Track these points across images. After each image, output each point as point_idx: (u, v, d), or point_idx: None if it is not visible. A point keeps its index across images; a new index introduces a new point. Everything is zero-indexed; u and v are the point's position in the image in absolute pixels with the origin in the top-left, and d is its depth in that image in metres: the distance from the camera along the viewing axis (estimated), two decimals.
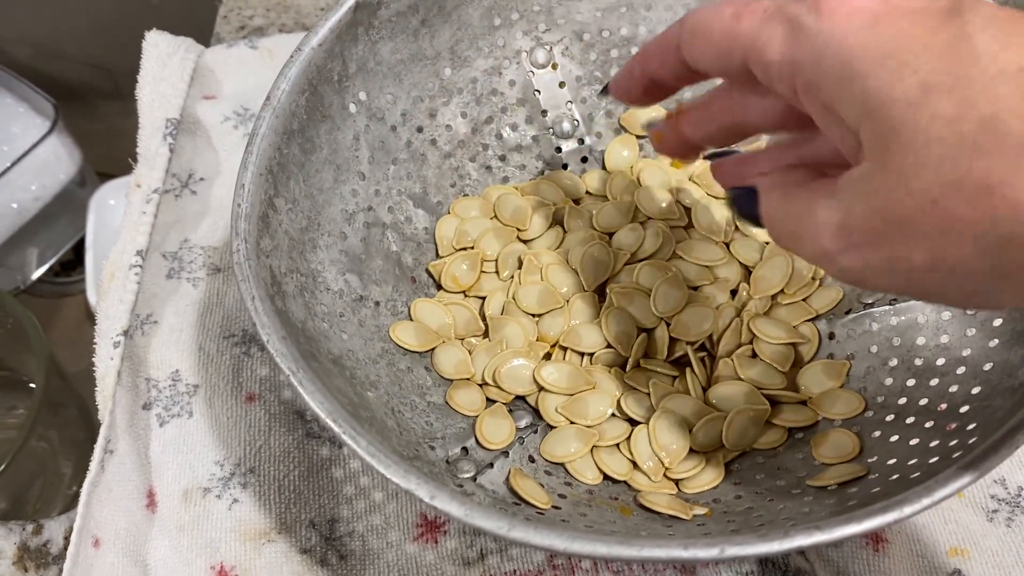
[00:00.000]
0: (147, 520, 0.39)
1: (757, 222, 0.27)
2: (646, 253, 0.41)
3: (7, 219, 0.67)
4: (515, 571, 0.38)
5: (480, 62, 0.42)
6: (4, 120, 0.70)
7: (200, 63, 0.52)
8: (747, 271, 0.41)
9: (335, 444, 0.41)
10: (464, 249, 0.41)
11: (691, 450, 0.36)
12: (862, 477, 0.32)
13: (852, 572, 0.38)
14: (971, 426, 0.31)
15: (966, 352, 0.34)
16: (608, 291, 0.40)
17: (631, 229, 0.41)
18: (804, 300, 0.40)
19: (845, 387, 0.37)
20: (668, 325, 0.39)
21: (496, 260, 0.41)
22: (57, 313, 0.74)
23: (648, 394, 0.37)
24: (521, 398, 0.38)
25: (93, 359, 0.43)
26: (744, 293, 0.40)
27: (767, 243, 0.41)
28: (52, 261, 0.73)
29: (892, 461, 0.32)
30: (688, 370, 0.38)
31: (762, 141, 0.39)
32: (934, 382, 0.35)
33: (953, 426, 0.32)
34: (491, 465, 0.35)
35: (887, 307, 0.37)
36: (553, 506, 0.33)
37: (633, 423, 0.37)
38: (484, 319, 0.40)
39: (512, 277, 0.41)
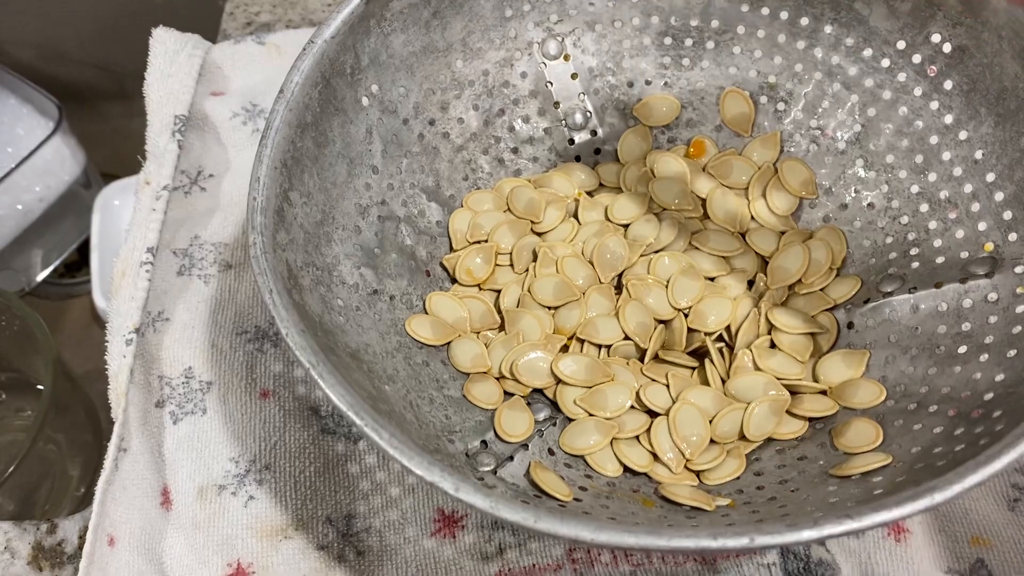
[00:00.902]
0: (162, 518, 0.39)
1: None
2: (662, 244, 0.40)
3: (12, 221, 0.67)
4: (534, 565, 0.37)
5: (492, 54, 0.42)
6: (8, 121, 0.70)
7: (207, 59, 0.51)
8: (764, 261, 0.41)
9: (350, 440, 0.40)
10: (478, 242, 0.41)
11: (711, 441, 0.36)
12: (886, 466, 0.32)
13: (874, 563, 0.37)
14: (997, 413, 0.31)
15: (988, 339, 0.34)
16: (624, 283, 0.39)
17: (646, 220, 0.41)
18: (822, 290, 0.39)
19: (865, 376, 0.37)
20: (686, 316, 0.38)
21: (510, 253, 0.41)
22: (62, 315, 0.74)
23: (667, 386, 0.37)
24: (539, 391, 0.38)
25: (100, 361, 0.43)
26: (761, 284, 0.40)
27: (783, 232, 0.41)
28: (57, 263, 0.73)
29: (916, 449, 0.32)
30: (707, 361, 0.37)
31: None
32: (956, 370, 0.34)
33: (978, 413, 0.31)
34: (511, 458, 0.34)
35: (906, 295, 0.37)
36: (574, 499, 0.33)
37: (652, 415, 0.37)
38: (500, 312, 0.40)
39: (527, 270, 0.40)
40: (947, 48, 0.37)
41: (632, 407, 0.37)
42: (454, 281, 0.41)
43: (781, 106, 0.42)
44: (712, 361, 0.37)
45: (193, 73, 0.50)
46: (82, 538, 0.40)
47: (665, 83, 0.43)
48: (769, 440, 0.36)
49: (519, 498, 0.32)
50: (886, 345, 0.37)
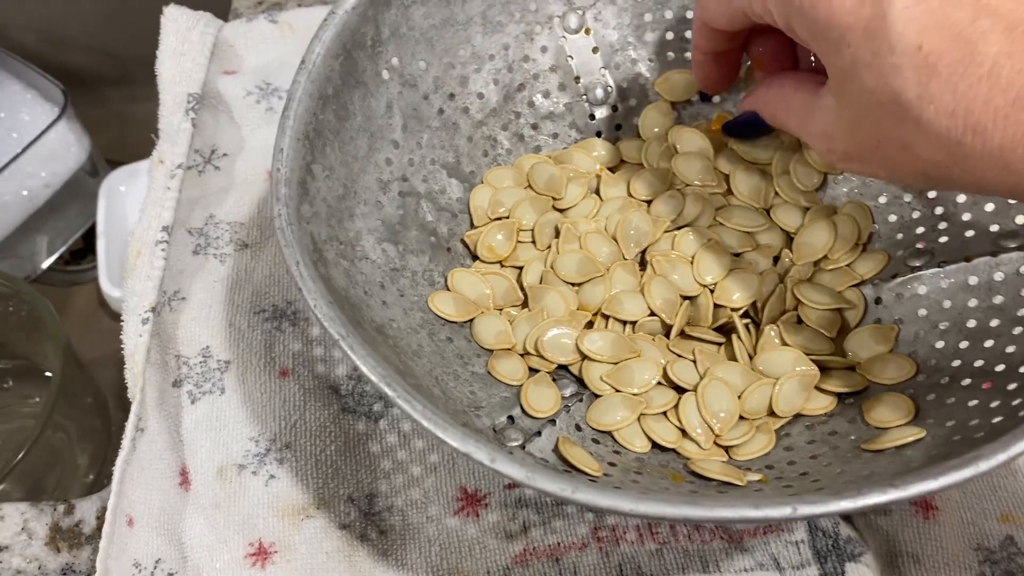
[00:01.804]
0: (181, 498, 0.38)
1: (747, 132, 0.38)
2: (686, 220, 0.40)
3: (17, 207, 0.66)
4: (559, 544, 0.37)
5: (512, 27, 0.42)
6: (13, 107, 0.69)
7: (220, 38, 0.51)
8: (789, 237, 0.40)
9: (371, 418, 0.40)
10: (499, 219, 0.41)
11: (740, 417, 0.35)
12: (920, 440, 0.32)
13: (902, 540, 0.37)
14: None
15: (1021, 312, 0.34)
16: (648, 259, 0.39)
17: (670, 196, 0.40)
18: (848, 266, 0.39)
19: (895, 352, 0.36)
20: (711, 292, 0.38)
21: (532, 230, 0.40)
22: (68, 302, 0.73)
23: (694, 361, 0.36)
24: (564, 367, 0.37)
25: (107, 347, 0.43)
26: (787, 259, 0.39)
27: (808, 208, 0.40)
28: (63, 249, 0.72)
29: (950, 423, 0.32)
30: (734, 337, 0.37)
31: None
32: (989, 343, 0.34)
33: (1014, 386, 0.31)
34: (539, 434, 0.34)
35: (936, 269, 0.37)
36: (604, 474, 0.32)
37: (679, 391, 0.36)
38: (522, 289, 0.39)
39: (549, 247, 0.40)
40: None
41: (659, 383, 0.36)
42: (475, 258, 0.40)
43: None
44: (739, 337, 0.37)
45: (206, 51, 0.49)
46: (100, 519, 0.40)
47: (686, 57, 0.43)
48: (798, 416, 0.36)
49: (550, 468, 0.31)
50: (915, 320, 0.37)
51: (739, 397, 0.35)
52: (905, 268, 0.38)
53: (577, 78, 0.43)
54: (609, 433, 0.35)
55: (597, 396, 0.36)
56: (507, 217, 0.41)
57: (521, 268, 0.40)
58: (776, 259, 0.40)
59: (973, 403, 0.32)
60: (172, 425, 0.40)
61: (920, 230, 0.38)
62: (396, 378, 0.28)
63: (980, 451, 0.26)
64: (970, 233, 0.37)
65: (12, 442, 0.59)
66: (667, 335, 0.38)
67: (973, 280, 0.36)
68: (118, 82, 0.81)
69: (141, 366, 0.41)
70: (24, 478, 0.49)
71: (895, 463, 0.31)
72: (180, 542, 0.37)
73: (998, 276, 0.35)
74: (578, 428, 0.35)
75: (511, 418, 0.34)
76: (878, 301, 0.38)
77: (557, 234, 0.40)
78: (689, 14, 0.42)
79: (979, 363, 0.33)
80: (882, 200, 0.40)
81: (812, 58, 0.35)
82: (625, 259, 0.39)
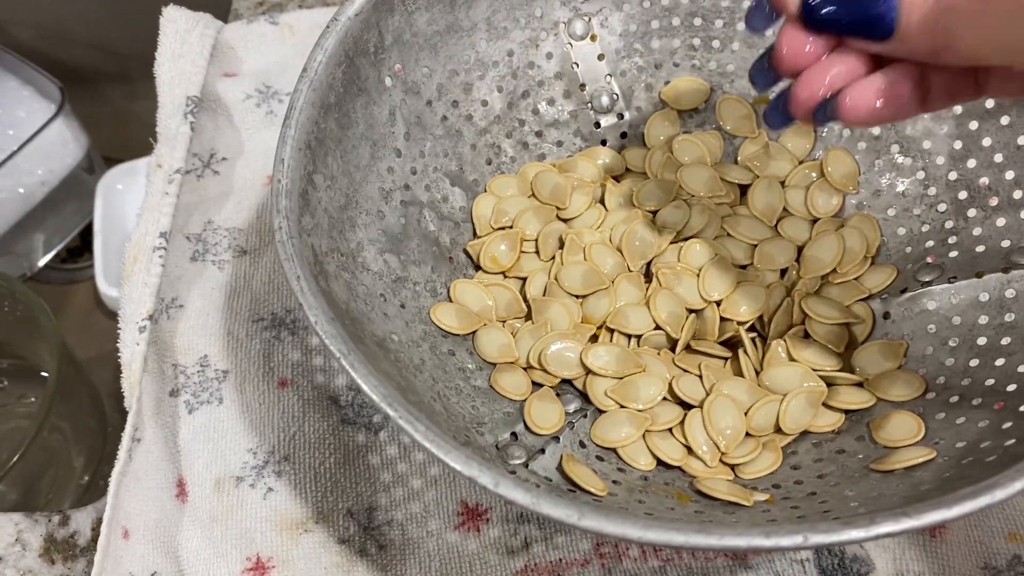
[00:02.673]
0: (178, 510, 0.38)
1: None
2: (692, 231, 0.39)
3: (13, 205, 0.66)
4: (560, 560, 0.36)
5: (517, 34, 0.41)
6: (9, 104, 0.69)
7: (219, 40, 0.50)
8: (797, 250, 0.39)
9: (371, 430, 0.39)
10: (502, 229, 0.40)
11: (746, 434, 0.35)
12: (930, 460, 0.31)
13: (908, 559, 0.37)
14: None
15: None
16: (654, 271, 0.38)
17: (676, 207, 0.40)
18: (856, 279, 0.38)
19: (903, 368, 0.36)
20: (718, 305, 0.37)
21: (536, 240, 0.40)
22: (64, 300, 0.73)
23: (700, 376, 0.36)
24: (568, 382, 0.37)
25: (103, 346, 0.42)
26: (794, 272, 0.39)
27: (815, 220, 0.40)
28: (59, 247, 0.71)
29: (961, 444, 0.31)
30: (741, 351, 0.36)
31: None
32: (1000, 362, 0.33)
33: None
34: (542, 451, 0.33)
35: (946, 285, 0.36)
36: (609, 493, 0.32)
37: (685, 407, 0.36)
38: (526, 300, 0.39)
39: (553, 258, 0.39)
40: None
41: (664, 399, 0.36)
42: (478, 268, 0.40)
43: None
44: (745, 352, 0.36)
45: (205, 53, 0.48)
46: (95, 530, 0.39)
47: (694, 65, 0.42)
48: (805, 433, 0.35)
49: (553, 492, 0.31)
50: (925, 336, 0.36)
51: (745, 414, 0.35)
52: (915, 283, 0.37)
53: (582, 85, 0.43)
54: (613, 450, 0.35)
55: (601, 412, 0.36)
56: (510, 227, 0.40)
57: (524, 279, 0.39)
58: (783, 272, 0.39)
59: (984, 424, 0.31)
60: (169, 435, 0.39)
61: (930, 244, 0.38)
62: (398, 397, 0.27)
63: (996, 479, 0.25)
64: (981, 248, 0.36)
65: (8, 442, 0.58)
66: (673, 349, 0.37)
67: (984, 297, 0.35)
68: (116, 79, 0.80)
69: (138, 375, 0.40)
70: (20, 479, 0.49)
71: (905, 485, 0.30)
72: (176, 555, 0.37)
73: (1009, 293, 0.35)
74: (582, 445, 0.34)
75: (514, 435, 0.34)
76: (887, 316, 0.37)
77: (561, 245, 0.39)
78: (698, 21, 0.42)
79: (990, 382, 0.33)
80: (891, 213, 0.39)
81: None
82: (630, 271, 0.38)
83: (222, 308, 0.42)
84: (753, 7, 0.29)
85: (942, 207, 0.38)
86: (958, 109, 0.38)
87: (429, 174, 0.39)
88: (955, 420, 0.32)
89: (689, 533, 0.24)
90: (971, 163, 0.37)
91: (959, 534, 0.37)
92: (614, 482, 0.33)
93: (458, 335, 0.37)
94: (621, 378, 0.36)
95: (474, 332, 0.37)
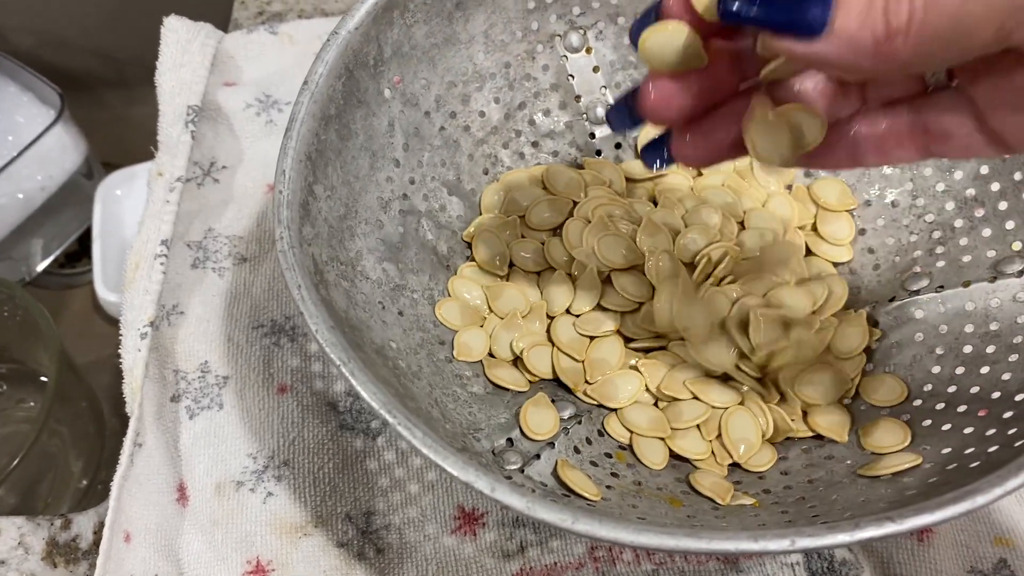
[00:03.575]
0: (178, 514, 0.38)
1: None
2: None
3: (12, 210, 0.66)
4: (556, 563, 0.37)
5: (514, 46, 0.42)
6: (9, 109, 0.69)
7: (220, 49, 0.51)
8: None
9: (369, 436, 0.40)
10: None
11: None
12: (916, 466, 0.32)
13: (896, 563, 0.37)
14: None
15: (1017, 339, 0.34)
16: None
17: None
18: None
19: (889, 373, 0.36)
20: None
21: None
22: (63, 305, 0.73)
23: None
24: (561, 385, 0.38)
25: (102, 351, 0.42)
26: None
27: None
28: (57, 252, 0.72)
29: (946, 450, 0.32)
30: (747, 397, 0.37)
31: None
32: (985, 370, 0.34)
33: (1010, 415, 0.31)
34: (537, 456, 0.34)
35: (933, 294, 0.37)
36: (602, 498, 0.32)
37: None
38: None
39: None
40: None
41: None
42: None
43: None
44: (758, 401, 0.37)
45: (206, 63, 0.49)
46: (97, 534, 0.40)
47: None
48: (791, 440, 0.36)
49: (548, 497, 0.31)
50: (912, 344, 0.37)
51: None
52: (903, 292, 0.38)
53: (578, 97, 0.43)
54: (609, 455, 0.35)
55: (609, 409, 0.36)
56: (522, 216, 0.41)
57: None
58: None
59: (969, 430, 0.32)
60: (170, 440, 0.40)
61: (917, 253, 0.39)
62: (396, 404, 0.28)
63: (977, 485, 0.26)
64: (967, 258, 0.37)
65: (8, 447, 0.59)
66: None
67: (970, 306, 0.36)
68: (115, 85, 0.81)
69: (139, 381, 0.40)
70: (18, 484, 0.49)
71: (891, 490, 0.31)
72: (177, 559, 0.37)
73: (994, 302, 0.35)
74: (577, 451, 0.35)
75: (510, 440, 0.35)
76: (876, 324, 0.38)
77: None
78: None
79: (975, 389, 0.34)
80: (879, 223, 0.40)
81: None
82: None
83: (222, 315, 0.43)
84: (614, 108, 0.27)
85: (929, 217, 0.39)
86: None
87: (427, 184, 0.40)
88: (941, 427, 0.33)
89: (680, 537, 0.25)
90: (958, 175, 0.38)
91: (947, 538, 0.38)
92: (608, 487, 0.33)
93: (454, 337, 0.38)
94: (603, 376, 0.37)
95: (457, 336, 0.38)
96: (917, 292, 0.37)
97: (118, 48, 0.78)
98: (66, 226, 0.71)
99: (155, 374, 0.41)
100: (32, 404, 0.61)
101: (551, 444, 0.35)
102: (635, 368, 0.37)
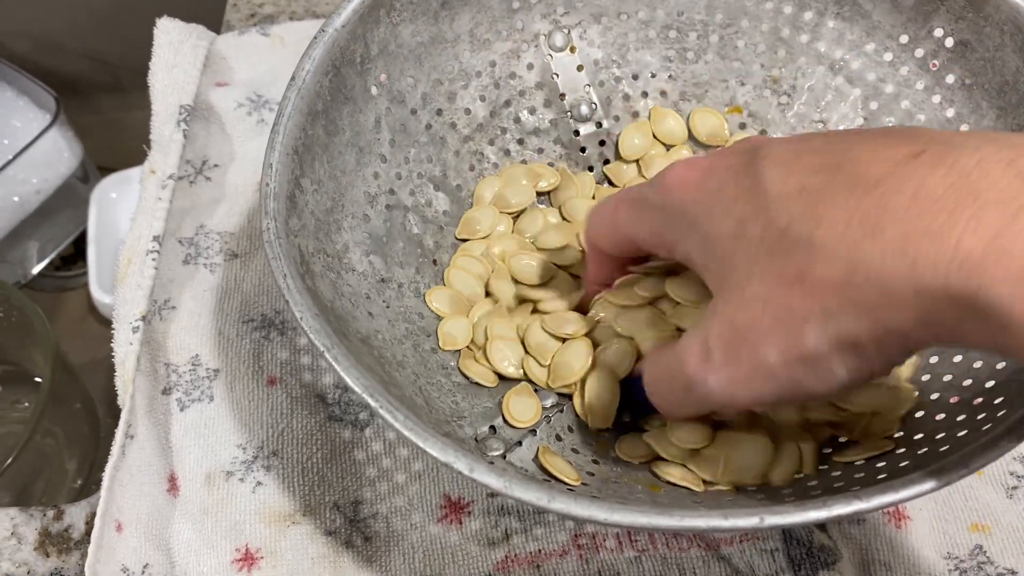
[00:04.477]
0: (169, 504, 0.39)
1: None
2: None
3: (8, 213, 0.67)
4: (540, 551, 0.38)
5: (499, 45, 0.43)
6: (5, 113, 0.70)
7: (212, 50, 0.51)
8: None
9: (357, 427, 0.41)
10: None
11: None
12: (889, 452, 0.33)
13: (874, 548, 0.38)
14: (998, 400, 0.31)
15: None
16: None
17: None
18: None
19: None
20: None
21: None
22: (58, 307, 0.74)
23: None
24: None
25: (96, 353, 0.43)
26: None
27: None
28: (53, 255, 0.72)
29: (919, 436, 0.33)
30: None
31: None
32: (957, 359, 0.35)
33: (979, 401, 0.32)
34: (519, 443, 0.35)
35: None
36: (582, 483, 0.33)
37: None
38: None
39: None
40: (949, 43, 0.38)
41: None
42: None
43: (784, 99, 0.43)
44: None
45: (198, 63, 0.50)
46: (89, 524, 0.40)
47: (670, 76, 0.44)
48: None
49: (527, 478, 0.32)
50: None
51: None
52: None
53: (562, 95, 0.44)
54: (591, 444, 0.36)
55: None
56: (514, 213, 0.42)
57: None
58: None
59: (940, 417, 0.33)
60: (161, 432, 0.41)
61: None
62: (380, 389, 0.29)
63: (943, 464, 0.27)
64: None
65: (2, 447, 0.59)
66: None
67: None
68: (110, 89, 0.81)
69: (131, 374, 0.41)
70: (12, 483, 0.50)
71: (865, 475, 0.32)
72: (168, 547, 0.38)
73: None
74: (558, 438, 0.36)
75: (493, 428, 0.35)
76: None
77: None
78: (673, 33, 0.43)
79: (947, 377, 0.34)
80: None
81: None
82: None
83: (213, 309, 0.43)
84: None
85: None
86: (921, 117, 0.39)
87: (413, 179, 0.41)
88: (914, 413, 0.34)
89: (652, 515, 0.26)
90: None
91: (924, 524, 0.39)
92: (588, 473, 0.34)
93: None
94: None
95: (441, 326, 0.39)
96: None
97: (114, 53, 0.79)
98: (61, 229, 0.72)
99: (147, 367, 0.42)
100: (27, 405, 0.62)
101: (533, 432, 0.35)
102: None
